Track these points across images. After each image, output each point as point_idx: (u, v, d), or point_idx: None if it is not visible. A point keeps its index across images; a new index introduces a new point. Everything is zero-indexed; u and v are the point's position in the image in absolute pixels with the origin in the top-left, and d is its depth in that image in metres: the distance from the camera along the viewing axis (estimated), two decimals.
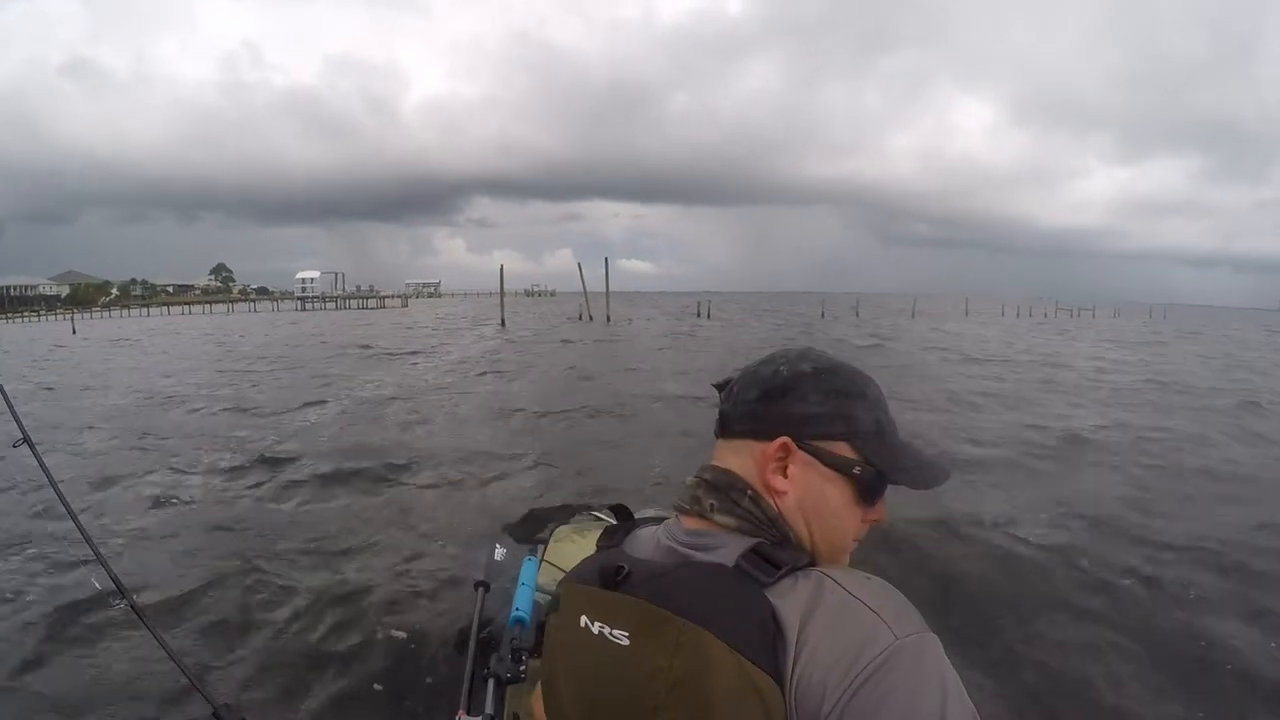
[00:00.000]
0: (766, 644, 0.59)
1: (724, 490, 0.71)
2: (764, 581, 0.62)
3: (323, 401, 9.34)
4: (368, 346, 19.01)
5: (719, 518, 0.70)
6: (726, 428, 0.75)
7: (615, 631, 0.67)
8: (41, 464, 1.79)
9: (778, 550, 0.66)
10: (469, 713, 1.29)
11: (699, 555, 0.68)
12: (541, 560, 1.57)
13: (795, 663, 0.58)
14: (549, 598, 1.11)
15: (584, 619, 0.70)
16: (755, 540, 0.67)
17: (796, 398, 0.70)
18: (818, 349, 0.77)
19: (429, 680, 2.64)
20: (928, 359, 15.79)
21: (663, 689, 0.62)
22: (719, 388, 0.79)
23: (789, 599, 0.61)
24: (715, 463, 0.74)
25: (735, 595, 0.63)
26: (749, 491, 0.70)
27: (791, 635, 0.59)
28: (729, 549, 0.67)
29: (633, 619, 0.66)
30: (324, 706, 2.54)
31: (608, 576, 0.70)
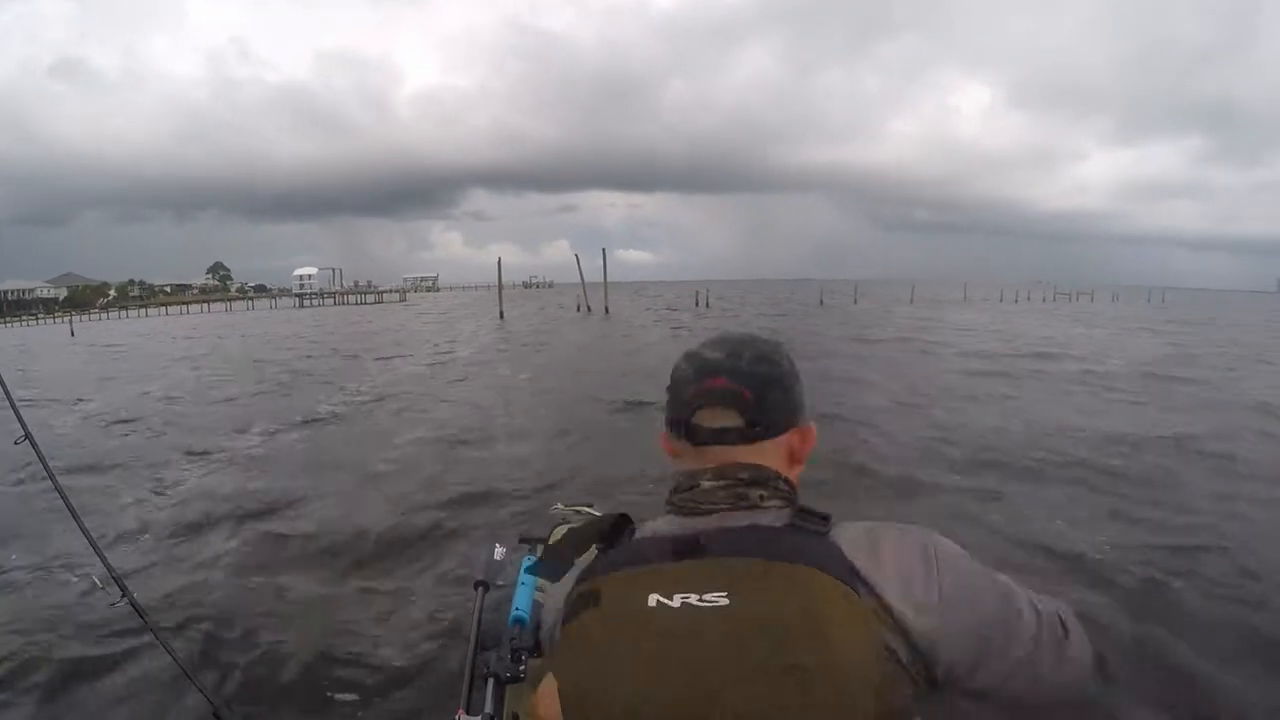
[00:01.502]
0: (854, 575, 0.67)
1: (765, 483, 0.78)
2: (823, 531, 0.73)
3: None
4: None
5: (770, 504, 0.77)
6: (744, 434, 0.79)
7: (707, 596, 0.66)
8: (43, 460, 1.80)
9: (815, 510, 0.76)
10: (469, 712, 1.30)
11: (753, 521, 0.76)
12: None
13: (875, 586, 0.68)
14: (548, 597, 1.11)
15: (654, 598, 0.67)
16: (796, 505, 0.77)
17: (785, 391, 0.81)
18: (762, 337, 0.85)
19: (429, 680, 2.64)
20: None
21: (783, 630, 0.62)
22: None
23: (845, 541, 0.71)
24: (739, 460, 0.79)
25: (811, 541, 0.71)
26: (782, 477, 0.80)
27: (864, 566, 0.69)
28: (771, 515, 0.76)
29: (728, 577, 0.67)
30: (323, 706, 2.54)
31: (683, 546, 0.72)
